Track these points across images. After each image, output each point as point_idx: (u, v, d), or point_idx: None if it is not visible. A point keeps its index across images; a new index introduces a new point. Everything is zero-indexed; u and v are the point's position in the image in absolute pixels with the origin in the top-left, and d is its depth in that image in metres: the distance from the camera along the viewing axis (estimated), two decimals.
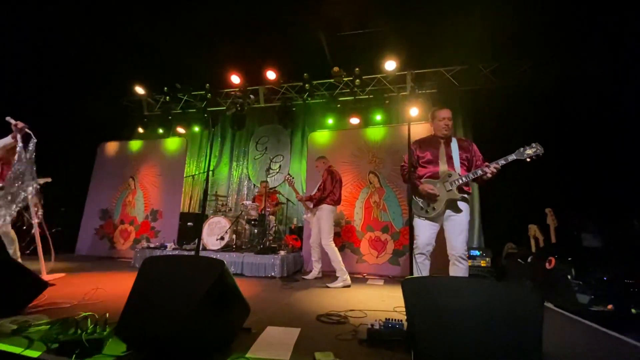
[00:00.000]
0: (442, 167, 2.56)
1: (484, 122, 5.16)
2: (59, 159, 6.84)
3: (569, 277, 3.07)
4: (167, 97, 6.63)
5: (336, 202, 4.09)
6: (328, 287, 3.64)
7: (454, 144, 2.62)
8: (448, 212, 2.48)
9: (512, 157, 2.33)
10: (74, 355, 1.33)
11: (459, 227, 2.42)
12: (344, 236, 5.23)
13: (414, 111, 5.45)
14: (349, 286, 3.74)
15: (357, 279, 4.48)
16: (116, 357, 1.36)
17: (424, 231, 2.52)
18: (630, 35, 4.08)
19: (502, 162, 2.35)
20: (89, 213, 6.53)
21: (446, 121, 2.62)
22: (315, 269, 4.31)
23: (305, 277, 4.25)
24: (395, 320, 1.82)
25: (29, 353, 1.39)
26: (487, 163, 2.41)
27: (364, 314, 2.40)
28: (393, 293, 3.42)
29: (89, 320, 1.54)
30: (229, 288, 1.49)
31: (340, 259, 3.89)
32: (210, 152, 3.28)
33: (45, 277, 2.88)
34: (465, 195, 2.51)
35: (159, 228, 6.03)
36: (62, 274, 3.16)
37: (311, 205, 4.19)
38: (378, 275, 4.77)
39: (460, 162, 2.54)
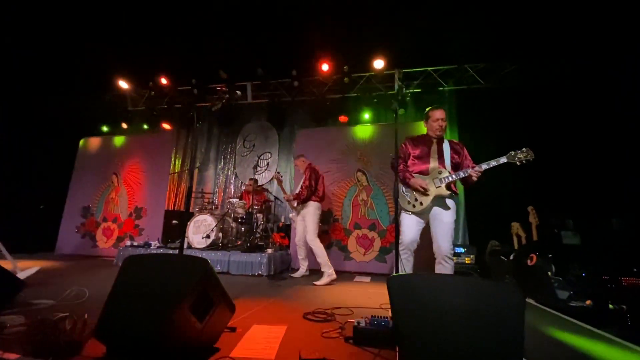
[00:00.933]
0: (433, 164, 2.60)
1: (470, 122, 5.25)
2: (38, 155, 6.62)
3: (550, 273, 3.16)
4: (152, 92, 6.47)
5: (321, 198, 4.15)
6: (315, 285, 3.64)
7: (446, 145, 2.67)
8: (435, 209, 2.51)
9: (503, 160, 2.37)
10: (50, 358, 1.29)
11: (445, 227, 2.45)
12: (332, 234, 5.25)
13: (401, 111, 5.50)
14: (335, 279, 3.82)
15: (345, 276, 4.50)
16: (94, 359, 1.32)
17: (410, 227, 2.55)
18: (613, 36, 4.21)
19: (493, 163, 2.39)
20: (70, 210, 6.33)
21: (440, 122, 2.63)
22: (303, 267, 4.31)
23: (293, 275, 4.26)
24: (381, 317, 1.83)
25: (6, 356, 1.34)
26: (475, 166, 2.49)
27: (351, 312, 2.41)
28: (379, 290, 3.45)
29: (66, 321, 1.49)
30: (213, 287, 1.46)
31: (325, 254, 3.92)
32: (195, 148, 3.22)
33: (20, 274, 2.77)
34: (453, 194, 2.56)
35: (143, 226, 5.91)
36: (37, 267, 3.04)
37: (296, 204, 4.19)
38: (365, 273, 4.81)
39: (451, 162, 2.59)
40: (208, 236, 4.55)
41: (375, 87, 5.79)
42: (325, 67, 5.50)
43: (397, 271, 1.70)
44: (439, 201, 2.50)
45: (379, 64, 5.32)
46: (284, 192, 4.58)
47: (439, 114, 2.65)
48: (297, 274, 4.26)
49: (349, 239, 5.17)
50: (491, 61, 5.22)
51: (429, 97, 5.53)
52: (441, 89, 5.58)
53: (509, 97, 5.00)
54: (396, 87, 5.60)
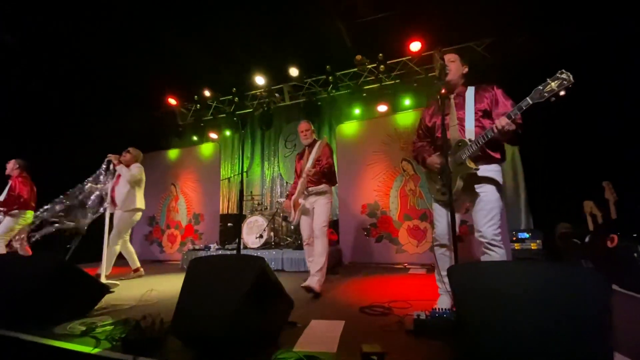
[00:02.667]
0: (452, 131, 2.02)
1: (518, 93, 4.79)
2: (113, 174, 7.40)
3: (636, 254, 2.78)
4: (198, 105, 6.90)
5: (335, 181, 3.29)
6: (305, 286, 2.80)
7: (469, 96, 2.04)
8: (469, 190, 1.99)
9: (526, 103, 1.71)
10: (136, 353, 1.43)
11: (484, 206, 1.94)
12: (380, 227, 5.16)
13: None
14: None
15: (398, 269, 4.41)
16: (173, 352, 1.44)
17: (443, 217, 2.12)
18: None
19: (515, 112, 1.74)
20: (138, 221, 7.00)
21: (446, 63, 2.05)
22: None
23: (308, 285, 2.84)
24: (442, 309, 1.76)
25: (97, 351, 1.52)
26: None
27: (409, 305, 2.34)
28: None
29: (147, 319, 1.64)
30: (271, 283, 1.52)
31: (327, 257, 2.99)
32: (242, 154, 3.37)
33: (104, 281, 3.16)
34: (488, 167, 1.97)
35: (202, 230, 6.34)
36: (118, 283, 3.42)
37: (307, 188, 3.11)
38: (420, 265, 4.65)
39: (476, 120, 1.98)
40: (261, 236, 4.74)
41: (413, 71, 5.55)
42: (358, 58, 5.40)
43: (456, 261, 1.60)
44: (469, 180, 1.97)
45: (415, 46, 5.08)
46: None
47: (446, 57, 2.10)
48: (311, 282, 2.86)
49: (400, 230, 5.04)
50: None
51: (475, 73, 5.14)
52: (448, 71, 5.16)
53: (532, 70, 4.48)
54: (438, 66, 5.30)
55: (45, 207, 4.05)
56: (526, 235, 4.39)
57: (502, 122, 1.77)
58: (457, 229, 1.84)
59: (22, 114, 6.14)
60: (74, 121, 6.71)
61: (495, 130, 1.80)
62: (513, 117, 1.76)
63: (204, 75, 6.20)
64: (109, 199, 3.95)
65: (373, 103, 5.88)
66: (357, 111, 6.03)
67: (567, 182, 3.97)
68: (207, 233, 6.23)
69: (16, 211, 4.11)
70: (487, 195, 1.96)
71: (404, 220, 5.04)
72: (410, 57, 5.44)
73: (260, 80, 6.11)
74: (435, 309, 1.80)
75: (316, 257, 2.92)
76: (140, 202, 4.12)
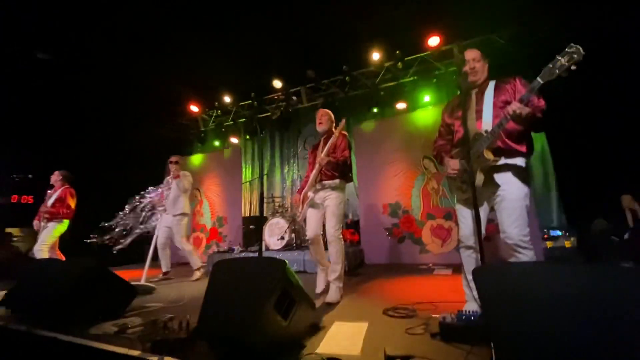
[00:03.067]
0: (470, 126, 1.90)
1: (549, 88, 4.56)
2: (140, 178, 7.75)
3: None
4: (219, 111, 7.08)
5: (351, 178, 2.96)
6: (328, 303, 2.52)
7: (489, 89, 1.97)
8: (491, 186, 1.86)
9: (537, 83, 1.62)
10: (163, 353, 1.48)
11: (508, 205, 1.81)
12: (403, 227, 5.07)
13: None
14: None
15: (423, 270, 4.29)
16: (199, 354, 1.48)
17: (467, 218, 2.00)
18: None
19: (527, 95, 1.66)
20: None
21: (471, 64, 1.98)
22: (321, 280, 2.98)
23: (328, 302, 2.55)
24: (469, 311, 1.70)
25: (129, 351, 1.58)
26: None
27: (434, 307, 2.28)
28: None
29: (174, 321, 1.69)
30: (293, 286, 1.52)
31: (343, 261, 2.77)
32: (262, 157, 3.42)
33: (143, 282, 3.32)
34: (511, 161, 1.83)
35: (226, 233, 6.48)
36: (154, 286, 3.55)
37: (318, 180, 2.80)
38: (445, 265, 4.52)
39: (495, 112, 1.88)
40: (282, 237, 4.78)
41: (432, 67, 5.42)
42: (376, 56, 5.34)
43: (482, 260, 1.54)
44: (490, 175, 1.84)
45: (434, 41, 4.97)
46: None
47: (467, 54, 2.01)
48: (329, 299, 2.58)
49: (423, 230, 4.93)
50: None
51: (498, 66, 4.96)
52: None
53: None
54: (458, 63, 5.16)
55: (125, 212, 4.27)
56: (559, 232, 4.17)
57: (512, 106, 1.68)
58: (484, 229, 1.76)
59: (54, 124, 6.53)
60: (100, 131, 7.06)
61: (507, 116, 1.71)
62: (525, 100, 1.67)
63: (223, 81, 6.36)
64: (161, 205, 4.28)
65: (391, 101, 5.80)
66: (375, 110, 5.96)
67: (603, 175, 3.73)
68: (230, 235, 6.37)
69: (59, 219, 4.39)
70: (511, 192, 1.83)
71: (427, 220, 4.93)
72: (428, 52, 5.31)
73: (277, 84, 6.17)
74: (462, 311, 1.74)
75: (332, 265, 2.67)
76: (187, 207, 4.39)
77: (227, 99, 6.81)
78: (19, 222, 5.95)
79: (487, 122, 1.90)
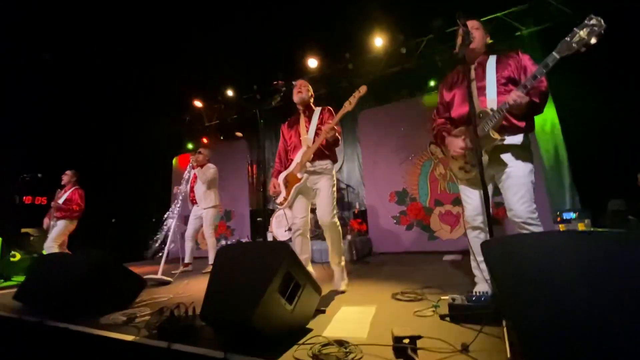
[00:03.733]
0: (473, 102, 1.77)
1: (564, 66, 4.38)
2: (146, 175, 7.84)
3: None
4: (222, 106, 7.06)
5: (337, 159, 2.65)
6: (338, 290, 2.41)
7: (490, 64, 1.88)
8: (495, 165, 1.83)
9: (553, 58, 1.54)
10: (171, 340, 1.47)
11: (513, 182, 1.77)
12: (410, 214, 5.01)
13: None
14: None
15: (431, 257, 4.25)
16: (205, 340, 1.47)
17: (471, 198, 1.95)
18: None
19: (540, 71, 1.58)
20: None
21: (471, 31, 1.81)
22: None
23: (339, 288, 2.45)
24: (480, 292, 1.65)
25: (137, 339, 1.59)
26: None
27: (443, 291, 2.24)
28: None
29: (180, 308, 1.69)
30: (297, 269, 1.49)
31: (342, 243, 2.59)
32: (264, 149, 3.40)
33: (160, 276, 3.35)
34: (515, 138, 1.78)
35: (234, 226, 6.52)
36: (170, 280, 3.56)
37: (308, 160, 2.45)
38: (455, 251, 4.46)
39: (498, 88, 1.81)
40: (290, 229, 4.77)
41: (437, 50, 5.28)
42: (379, 41, 5.23)
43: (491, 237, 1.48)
44: (496, 153, 1.80)
45: (438, 23, 4.83)
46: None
47: (470, 25, 1.87)
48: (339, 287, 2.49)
49: (431, 217, 4.87)
50: None
51: (505, 45, 4.82)
52: (518, 33, 4.80)
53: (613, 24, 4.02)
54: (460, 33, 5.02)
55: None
56: (572, 215, 4.05)
57: (512, 96, 1.64)
58: (492, 211, 1.71)
59: (61, 123, 6.61)
60: (108, 129, 7.13)
61: (507, 106, 1.67)
62: (529, 86, 1.63)
63: (226, 75, 6.33)
64: (188, 198, 4.47)
65: (395, 87, 5.69)
66: (379, 97, 5.86)
67: (618, 151, 3.59)
68: (238, 228, 6.41)
69: (69, 218, 4.47)
70: (516, 169, 1.79)
71: (435, 206, 4.86)
72: (432, 35, 5.18)
73: (280, 75, 6.10)
74: (473, 292, 1.69)
75: (331, 249, 2.47)
76: (217, 198, 4.44)
77: (230, 93, 6.78)
78: (34, 223, 6.07)
79: (491, 99, 1.83)
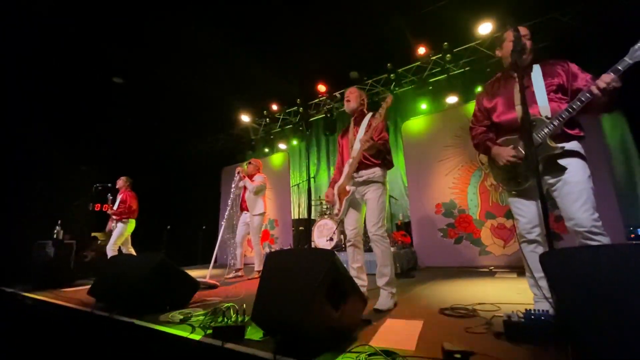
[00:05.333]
0: (519, 112, 1.76)
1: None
2: (198, 186, 8.42)
3: None
4: (267, 119, 7.40)
5: (391, 163, 2.53)
6: (377, 310, 2.17)
7: (536, 72, 1.80)
8: (549, 174, 1.72)
9: (625, 64, 1.49)
10: (224, 339, 1.56)
11: (572, 188, 1.64)
12: (459, 227, 4.77)
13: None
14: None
15: (483, 273, 3.99)
16: (256, 341, 1.54)
17: (525, 210, 1.82)
18: None
19: (610, 75, 1.52)
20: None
21: (523, 40, 1.75)
22: (363, 281, 2.49)
23: (378, 308, 2.19)
24: (538, 310, 1.53)
25: (193, 337, 1.70)
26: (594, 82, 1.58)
27: (497, 307, 2.10)
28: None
29: (231, 310, 1.79)
30: (343, 277, 1.51)
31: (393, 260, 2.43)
32: (308, 160, 3.49)
33: (208, 280, 3.57)
34: (574, 145, 1.70)
35: (277, 235, 6.70)
36: (217, 283, 3.77)
37: (356, 170, 2.43)
38: (508, 268, 4.15)
39: (549, 96, 1.74)
40: (331, 239, 4.79)
41: (484, 56, 5.08)
42: (421, 50, 5.17)
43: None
44: (550, 164, 1.70)
45: (485, 28, 4.66)
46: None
47: (522, 30, 1.79)
48: (383, 304, 2.27)
49: (482, 230, 4.58)
50: None
51: (561, 49, 4.50)
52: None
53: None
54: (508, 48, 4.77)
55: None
56: None
57: (606, 78, 1.53)
58: (551, 225, 1.54)
59: (128, 141, 7.37)
60: (166, 145, 7.81)
61: (596, 91, 1.55)
62: (622, 69, 1.52)
63: (270, 90, 6.65)
64: (239, 206, 4.79)
65: (441, 95, 5.55)
66: (423, 106, 5.76)
67: None
68: (281, 237, 6.57)
69: (126, 219, 4.92)
70: (574, 175, 1.66)
71: (487, 219, 4.57)
72: (479, 41, 5.00)
73: (322, 87, 6.27)
74: (531, 310, 1.57)
75: (380, 268, 2.34)
76: (263, 206, 4.66)
77: (274, 107, 7.10)
78: (102, 227, 6.79)
79: (543, 105, 1.74)
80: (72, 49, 5.12)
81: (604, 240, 1.58)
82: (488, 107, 1.99)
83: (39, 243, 4.73)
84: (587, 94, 1.58)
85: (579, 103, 1.60)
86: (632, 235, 3.62)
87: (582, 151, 1.73)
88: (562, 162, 1.70)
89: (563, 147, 1.67)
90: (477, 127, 2.07)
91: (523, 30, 1.88)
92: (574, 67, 1.77)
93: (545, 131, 1.68)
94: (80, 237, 6.04)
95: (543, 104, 1.74)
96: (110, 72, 5.85)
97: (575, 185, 1.65)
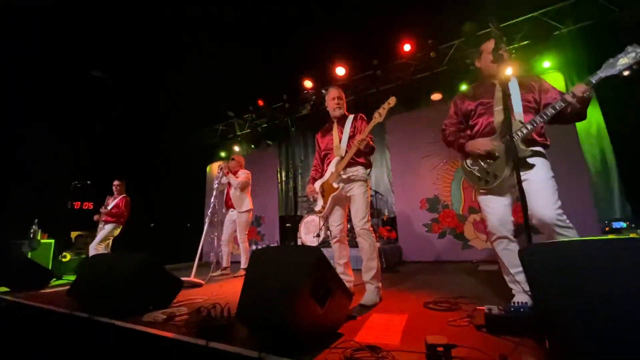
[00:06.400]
0: (498, 116, 1.90)
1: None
2: (182, 183, 8.25)
3: None
4: (253, 115, 7.31)
5: (371, 164, 2.64)
6: (363, 305, 2.19)
7: (513, 84, 1.95)
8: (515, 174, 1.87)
9: (597, 77, 1.61)
10: (208, 338, 1.54)
11: (535, 186, 1.76)
12: (443, 222, 4.86)
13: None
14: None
15: (466, 266, 4.08)
16: (241, 339, 1.52)
17: (494, 208, 1.91)
18: None
19: (584, 86, 1.63)
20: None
21: (491, 55, 1.86)
22: (349, 277, 2.58)
23: (364, 304, 2.21)
24: (519, 303, 1.58)
25: (177, 336, 1.67)
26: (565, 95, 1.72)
27: (478, 301, 2.15)
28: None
29: (216, 308, 1.77)
30: (328, 274, 1.51)
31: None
32: (294, 157, 3.47)
33: (193, 278, 3.50)
34: (540, 149, 1.85)
35: (264, 232, 6.66)
36: (202, 282, 3.71)
37: (342, 168, 2.47)
38: (490, 261, 4.26)
39: (524, 106, 1.88)
40: (318, 235, 4.80)
41: (469, 53, 5.16)
42: (407, 47, 5.21)
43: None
44: (520, 163, 1.74)
45: (469, 26, 4.73)
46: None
47: (490, 44, 1.94)
48: (370, 300, 2.29)
49: (465, 225, 4.69)
50: None
51: (541, 47, 4.62)
52: (557, 32, 4.58)
53: None
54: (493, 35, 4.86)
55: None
56: (623, 224, 3.75)
57: (580, 88, 1.66)
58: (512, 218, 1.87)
59: (107, 136, 7.15)
60: (148, 141, 7.61)
61: (570, 99, 1.67)
62: (594, 81, 1.64)
63: (256, 85, 6.57)
64: (224, 203, 4.70)
65: (425, 92, 5.61)
66: (408, 102, 5.80)
67: None
68: (268, 234, 6.53)
69: (116, 223, 4.81)
70: (537, 174, 1.79)
71: (470, 214, 4.68)
72: (463, 39, 5.07)
73: (308, 83, 6.24)
74: (511, 303, 1.62)
75: (366, 262, 2.36)
76: (250, 203, 4.60)
77: (260, 102, 7.01)
78: (82, 226, 6.57)
79: (518, 112, 1.88)
80: (48, 35, 4.91)
81: (571, 233, 1.67)
82: (468, 108, 2.09)
83: (15, 242, 4.54)
84: (561, 102, 1.71)
85: (552, 110, 1.73)
86: (607, 229, 3.78)
87: (546, 156, 1.88)
88: (526, 166, 1.81)
89: (534, 151, 1.80)
90: (450, 126, 2.20)
91: (492, 43, 1.96)
92: (544, 82, 1.94)
93: (519, 134, 1.80)
94: (58, 236, 5.85)
95: (518, 111, 1.88)
96: (90, 64, 5.64)
97: (538, 182, 1.77)
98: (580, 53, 4.41)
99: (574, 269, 0.91)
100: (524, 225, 1.53)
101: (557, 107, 1.72)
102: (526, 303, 1.58)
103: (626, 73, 1.56)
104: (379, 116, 2.37)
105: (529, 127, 1.78)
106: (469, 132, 2.12)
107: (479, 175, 1.97)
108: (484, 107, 2.01)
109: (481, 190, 2.00)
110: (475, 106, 2.05)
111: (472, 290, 2.51)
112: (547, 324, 1.04)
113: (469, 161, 2.05)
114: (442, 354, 1.18)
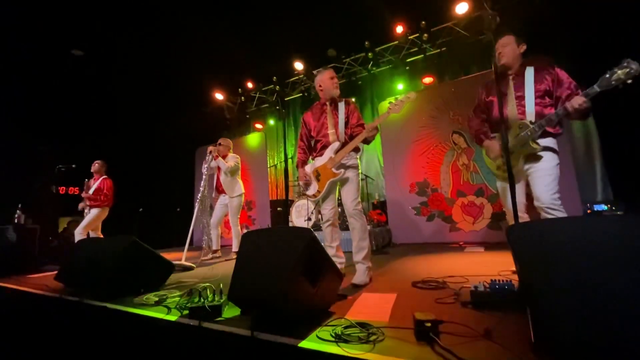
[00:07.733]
0: (511, 110, 2.14)
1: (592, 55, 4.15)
2: (171, 167, 8.12)
3: None
4: (242, 98, 7.17)
5: (359, 150, 2.65)
6: (355, 284, 2.24)
7: (529, 75, 2.11)
8: (528, 165, 2.13)
9: (594, 91, 1.81)
10: (201, 319, 1.56)
11: (540, 174, 2.04)
12: (431, 205, 4.95)
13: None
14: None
15: (453, 248, 4.19)
16: (233, 319, 1.55)
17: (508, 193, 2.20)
18: None
19: (582, 99, 1.83)
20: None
21: (499, 49, 2.16)
22: (341, 259, 2.64)
23: (356, 283, 2.26)
24: (502, 281, 1.64)
25: (169, 317, 1.69)
26: (576, 94, 1.92)
27: (465, 279, 2.22)
28: (496, 259, 3.10)
29: (208, 290, 1.78)
30: (320, 255, 1.53)
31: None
32: (285, 140, 3.45)
33: (183, 262, 3.49)
34: (549, 145, 2.07)
35: (255, 216, 6.66)
36: (193, 265, 3.70)
37: (338, 155, 2.48)
38: (477, 243, 4.39)
39: (536, 101, 2.07)
40: (309, 219, 4.83)
41: (461, 36, 5.12)
42: (399, 29, 5.13)
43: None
44: (530, 158, 2.10)
45: (461, 8, 4.67)
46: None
47: (500, 43, 2.18)
48: (360, 279, 2.33)
49: (453, 208, 4.79)
50: None
51: (531, 32, 4.60)
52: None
53: None
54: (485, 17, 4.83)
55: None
56: (604, 207, 3.88)
57: (578, 100, 1.84)
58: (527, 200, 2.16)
59: (93, 118, 6.93)
60: (136, 123, 7.40)
61: (571, 109, 1.87)
62: (592, 95, 1.82)
63: (245, 67, 6.42)
64: (214, 187, 4.63)
65: (417, 76, 5.58)
66: (400, 86, 5.78)
67: None
68: (259, 218, 6.54)
69: (100, 207, 4.72)
70: (544, 163, 2.04)
71: (458, 197, 4.77)
72: (455, 21, 5.02)
73: (299, 65, 6.12)
74: (496, 280, 1.68)
75: (358, 242, 2.39)
76: (242, 187, 4.59)
77: (249, 85, 6.87)
78: (68, 211, 6.44)
79: (529, 111, 2.06)
80: (27, 14, 4.65)
81: (560, 214, 1.92)
82: (487, 100, 2.32)
83: None
84: (562, 111, 1.93)
85: (555, 117, 1.96)
86: (589, 212, 3.91)
87: (555, 147, 2.08)
88: (537, 157, 2.07)
89: (545, 146, 2.04)
90: (475, 118, 2.42)
91: (505, 40, 2.18)
92: (560, 73, 2.05)
93: (529, 134, 2.03)
94: (44, 222, 5.72)
95: (529, 109, 2.07)
96: (73, 43, 5.39)
97: (542, 171, 2.03)
98: None
99: (556, 245, 0.95)
100: (512, 208, 1.65)
101: (560, 114, 1.94)
102: (510, 281, 1.64)
103: (621, 86, 1.72)
104: (396, 109, 2.32)
105: (537, 128, 2.00)
106: (489, 124, 2.36)
107: (497, 164, 2.28)
108: (499, 102, 2.07)
109: (499, 177, 2.32)
110: (491, 100, 2.27)
111: (459, 270, 2.58)
112: (529, 298, 1.08)
113: (488, 153, 2.35)
114: (429, 329, 1.22)
